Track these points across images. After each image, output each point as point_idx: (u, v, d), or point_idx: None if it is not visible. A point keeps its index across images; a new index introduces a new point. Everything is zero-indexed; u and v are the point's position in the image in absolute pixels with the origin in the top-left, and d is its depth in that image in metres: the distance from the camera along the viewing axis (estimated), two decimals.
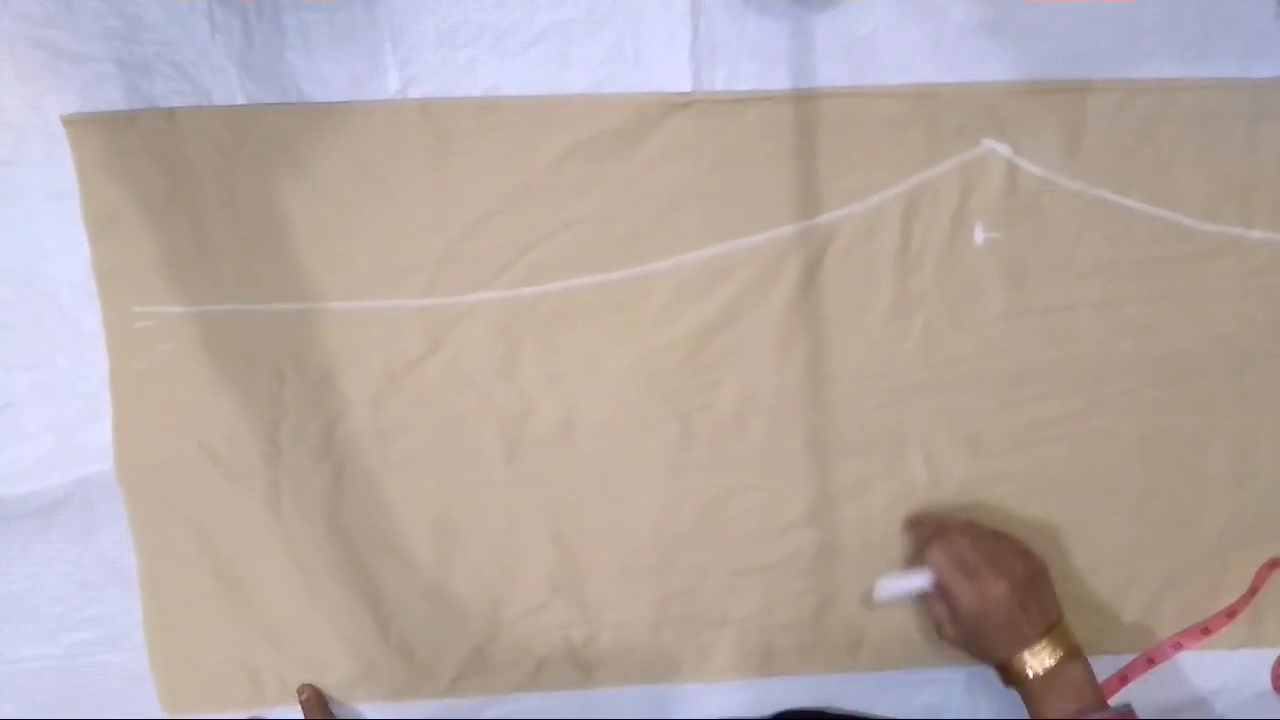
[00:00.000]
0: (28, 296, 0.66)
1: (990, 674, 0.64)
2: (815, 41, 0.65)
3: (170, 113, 0.64)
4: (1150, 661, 0.69)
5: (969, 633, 0.63)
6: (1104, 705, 0.60)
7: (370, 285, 0.66)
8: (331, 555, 0.67)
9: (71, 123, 0.63)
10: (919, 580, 0.65)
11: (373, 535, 0.68)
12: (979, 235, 0.67)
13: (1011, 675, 0.62)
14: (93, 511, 0.67)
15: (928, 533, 0.66)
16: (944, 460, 0.69)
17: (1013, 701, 0.63)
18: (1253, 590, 0.70)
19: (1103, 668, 0.69)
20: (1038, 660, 0.61)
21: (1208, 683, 0.70)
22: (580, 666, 0.69)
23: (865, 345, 0.68)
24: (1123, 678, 0.70)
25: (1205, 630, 0.70)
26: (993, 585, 0.62)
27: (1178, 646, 0.70)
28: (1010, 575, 0.62)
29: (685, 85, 0.65)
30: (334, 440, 0.67)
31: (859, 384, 0.68)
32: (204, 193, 0.65)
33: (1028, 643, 0.61)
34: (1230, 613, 0.70)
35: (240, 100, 0.64)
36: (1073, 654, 0.62)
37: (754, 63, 0.65)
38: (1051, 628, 0.62)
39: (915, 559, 0.66)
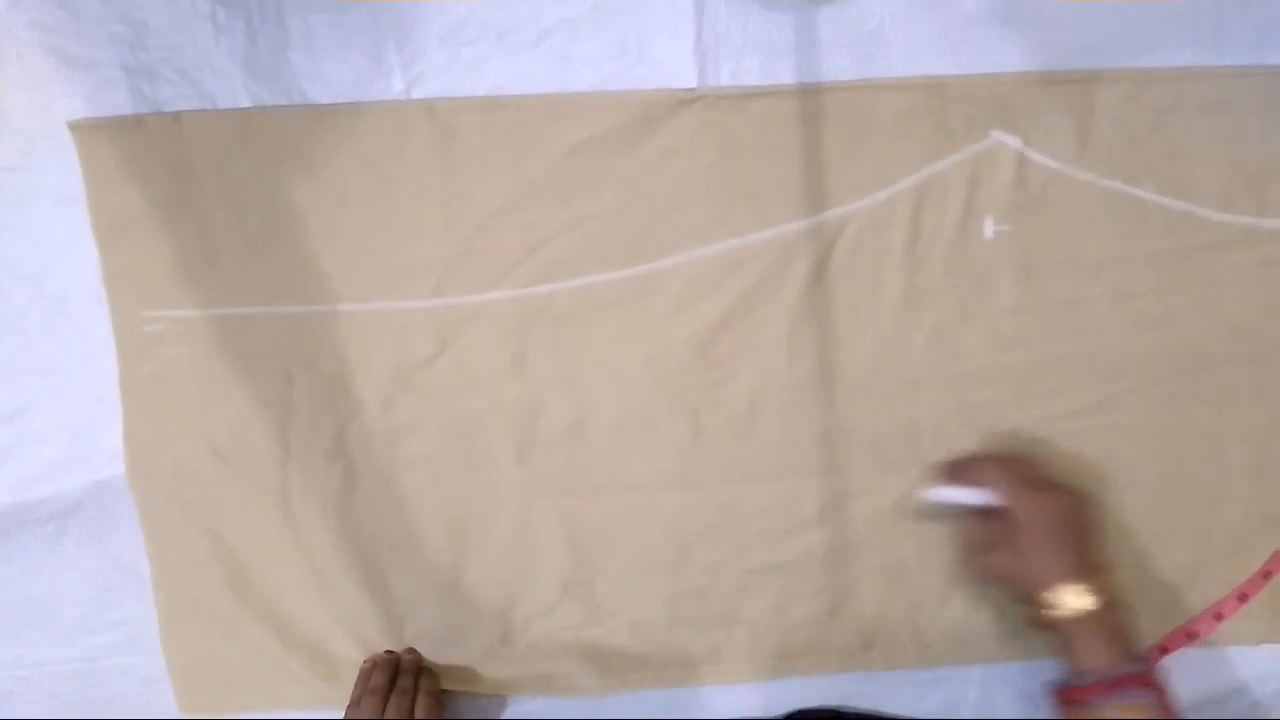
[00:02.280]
0: (38, 301, 0.66)
1: (1007, 673, 0.64)
2: (820, 34, 0.64)
3: (176, 117, 0.64)
4: (1163, 650, 0.69)
5: (1023, 552, 0.60)
6: (1142, 660, 0.59)
7: (379, 286, 0.66)
8: (343, 556, 0.68)
9: (78, 128, 0.64)
10: (977, 495, 0.63)
11: (384, 536, 0.68)
12: (989, 228, 0.67)
13: (1047, 609, 0.60)
14: (107, 515, 0.67)
15: (974, 460, 0.64)
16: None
17: (1028, 701, 0.62)
18: (1264, 575, 0.69)
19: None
20: (1082, 597, 0.59)
21: (1231, 679, 0.70)
22: (594, 667, 0.69)
23: (875, 340, 0.68)
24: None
25: (1218, 616, 0.69)
26: (1062, 497, 0.61)
27: (1191, 635, 0.69)
28: (1070, 494, 0.62)
29: (690, 81, 0.65)
30: (345, 441, 0.67)
31: (870, 379, 0.68)
32: (210, 196, 0.65)
33: (1077, 573, 0.59)
34: (1241, 596, 0.69)
35: (245, 103, 0.64)
36: (1115, 601, 0.60)
37: (759, 57, 0.65)
38: (1099, 568, 0.61)
39: (965, 472, 0.65)
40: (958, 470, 0.66)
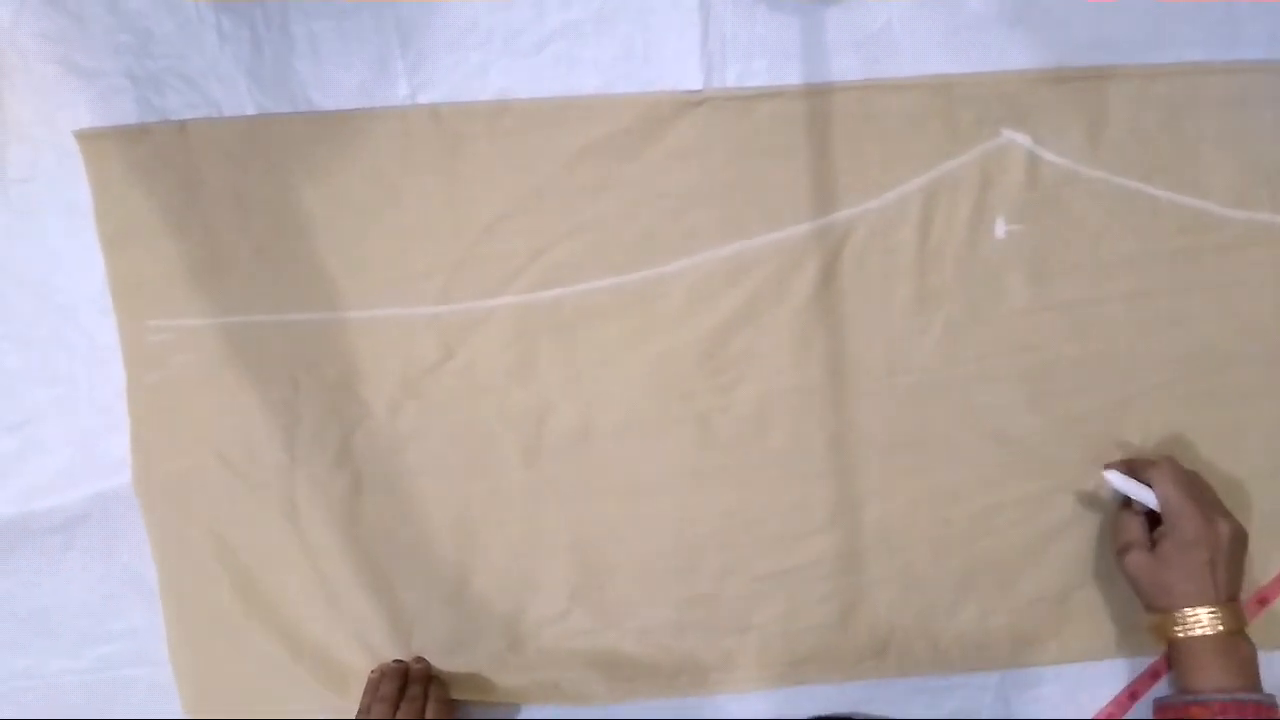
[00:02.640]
0: (46, 312, 0.66)
1: (1023, 678, 0.63)
2: (827, 35, 0.64)
3: (182, 125, 0.64)
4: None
5: (1164, 563, 0.61)
6: (1265, 694, 0.59)
7: (385, 292, 0.66)
8: (351, 563, 0.67)
9: (84, 138, 0.64)
10: (1145, 494, 0.63)
11: (392, 543, 0.67)
12: (1000, 228, 0.66)
13: (1177, 628, 0.60)
14: (114, 525, 0.67)
15: (1152, 462, 0.64)
16: (970, 457, 0.68)
17: (1045, 708, 0.61)
18: None
19: (1137, 668, 0.68)
20: (1215, 620, 0.59)
21: None
22: (603, 674, 0.68)
23: (886, 343, 0.67)
24: (1154, 674, 0.68)
25: None
26: (1221, 522, 0.61)
27: None
28: (1233, 523, 0.62)
29: (697, 83, 0.65)
30: (351, 448, 0.67)
31: (880, 382, 0.67)
32: (216, 204, 0.65)
33: (1215, 598, 0.60)
34: (1261, 600, 0.68)
35: (250, 111, 0.64)
36: (1243, 631, 0.61)
37: (766, 58, 0.64)
38: (1235, 597, 0.61)
39: (1142, 471, 0.64)
40: (1136, 465, 0.65)
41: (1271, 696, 0.59)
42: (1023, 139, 0.65)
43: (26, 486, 0.66)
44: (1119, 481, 0.65)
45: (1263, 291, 0.67)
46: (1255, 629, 0.67)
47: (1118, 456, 0.67)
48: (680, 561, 0.68)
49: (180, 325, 0.66)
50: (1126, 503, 0.66)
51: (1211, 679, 0.59)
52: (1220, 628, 0.59)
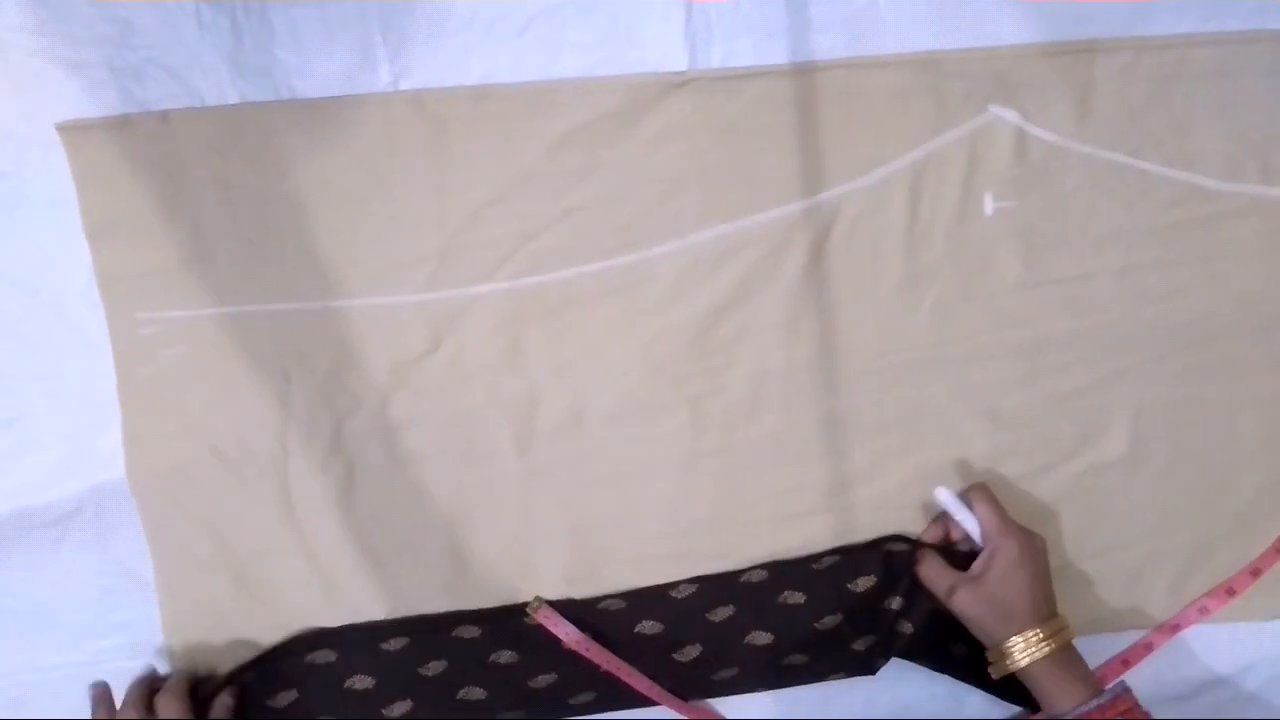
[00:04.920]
0: (35, 307, 0.66)
1: None
2: (812, 13, 0.63)
3: (164, 115, 0.64)
4: (1175, 627, 0.68)
5: (1003, 585, 0.61)
6: (1101, 691, 0.59)
7: (372, 281, 0.66)
8: (345, 552, 0.67)
9: (66, 130, 0.63)
10: (970, 519, 0.64)
11: (386, 531, 0.67)
12: (989, 205, 0.66)
13: (1022, 654, 0.60)
14: (108, 519, 0.67)
15: (970, 489, 0.65)
16: (963, 435, 0.68)
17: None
18: (1278, 549, 0.68)
19: (1131, 639, 0.69)
20: (1052, 638, 0.60)
21: (1240, 656, 0.69)
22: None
23: (876, 322, 0.67)
24: (1148, 644, 0.68)
25: (1230, 591, 0.68)
26: (1034, 535, 0.63)
27: (1203, 611, 0.68)
28: (1038, 536, 0.63)
29: (681, 64, 0.64)
30: (343, 438, 0.67)
31: (871, 361, 0.67)
32: (201, 195, 0.64)
33: (1050, 614, 0.61)
34: (1254, 571, 0.68)
35: (233, 100, 0.64)
36: (1069, 643, 0.61)
37: (750, 37, 0.64)
38: (1055, 613, 0.62)
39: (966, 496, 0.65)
40: (968, 493, 0.66)
41: (1120, 684, 0.60)
42: (1010, 115, 0.65)
43: (20, 482, 0.66)
44: (948, 500, 0.65)
45: (1253, 264, 0.67)
46: (1248, 600, 0.68)
47: (1122, 432, 0.68)
48: (674, 546, 0.68)
49: (169, 317, 0.66)
50: (942, 542, 0.66)
51: (1069, 694, 0.59)
52: (1053, 645, 0.60)
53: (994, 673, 0.62)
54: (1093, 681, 0.60)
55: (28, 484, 0.66)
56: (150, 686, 0.65)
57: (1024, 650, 0.60)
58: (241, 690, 0.66)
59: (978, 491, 0.64)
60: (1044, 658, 0.60)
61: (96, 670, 0.68)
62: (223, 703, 0.64)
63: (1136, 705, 0.59)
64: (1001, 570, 0.61)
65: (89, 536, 0.67)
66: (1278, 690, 0.69)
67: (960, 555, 0.65)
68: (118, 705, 0.65)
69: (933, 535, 0.66)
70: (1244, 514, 0.69)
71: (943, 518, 0.66)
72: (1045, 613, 0.61)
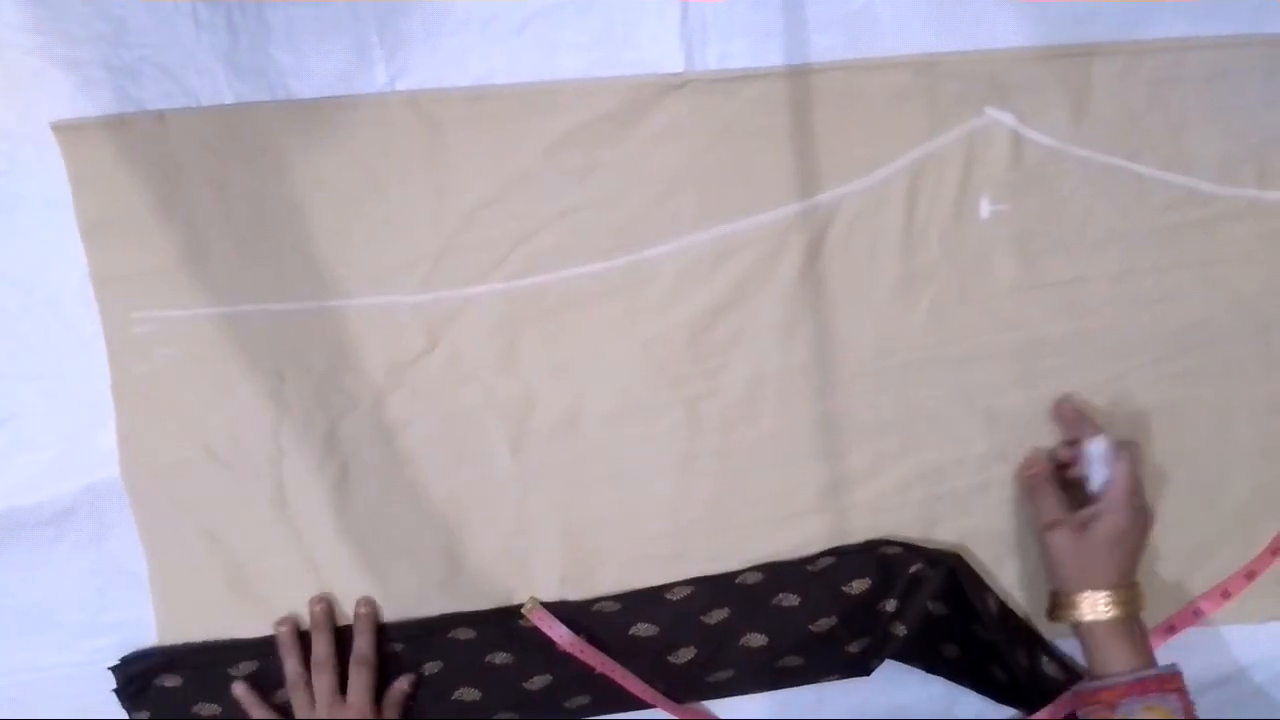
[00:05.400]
0: (30, 306, 0.66)
1: None
2: (808, 14, 0.63)
3: (160, 115, 0.63)
4: (1171, 629, 0.68)
5: (1099, 547, 0.61)
6: (1153, 665, 0.60)
7: (368, 281, 0.66)
8: (340, 552, 0.67)
9: (61, 129, 0.63)
10: (1102, 471, 0.63)
11: (381, 531, 0.67)
12: (985, 208, 0.66)
13: (1086, 611, 0.61)
14: (103, 518, 0.67)
15: (1120, 445, 0.64)
16: (960, 436, 0.68)
17: None
18: (1272, 551, 0.68)
19: None
20: (1123, 601, 0.61)
21: (1236, 659, 0.69)
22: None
23: (873, 324, 0.67)
24: None
25: (1225, 594, 0.68)
26: (1148, 517, 0.63)
27: (1198, 613, 0.68)
28: (1150, 512, 0.63)
29: (678, 66, 0.64)
30: (337, 439, 0.67)
31: (868, 363, 0.67)
32: (196, 194, 0.64)
33: (1122, 580, 0.61)
34: (1249, 573, 0.68)
35: (228, 100, 0.63)
36: (1138, 614, 0.62)
37: (747, 39, 0.63)
38: (1134, 583, 0.62)
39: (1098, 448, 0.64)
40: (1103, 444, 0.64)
41: (1172, 666, 0.60)
42: (1007, 117, 0.65)
43: (14, 481, 0.66)
44: (1101, 449, 0.63)
45: (1249, 267, 0.67)
46: (1242, 602, 0.68)
47: (1118, 435, 0.66)
48: (670, 546, 0.68)
49: (164, 316, 0.65)
50: (1058, 470, 0.65)
51: (1120, 660, 0.60)
52: (1127, 608, 0.61)
53: (1051, 617, 0.63)
54: (1147, 655, 0.61)
55: (23, 483, 0.66)
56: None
57: (1091, 607, 0.61)
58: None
59: (1127, 450, 0.63)
60: (1107, 620, 0.60)
61: (93, 670, 0.68)
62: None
63: (1185, 690, 0.59)
64: (1108, 532, 0.61)
65: (84, 536, 0.67)
66: (1273, 693, 0.69)
67: (1069, 486, 0.65)
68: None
69: (1062, 457, 0.66)
70: (1239, 517, 0.68)
71: (1070, 448, 0.65)
72: (1123, 579, 0.61)
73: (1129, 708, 0.58)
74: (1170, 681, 0.59)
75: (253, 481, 0.67)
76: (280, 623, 0.66)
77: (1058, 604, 0.63)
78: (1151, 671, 0.59)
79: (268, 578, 0.67)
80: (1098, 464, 0.63)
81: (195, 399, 0.66)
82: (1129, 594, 0.61)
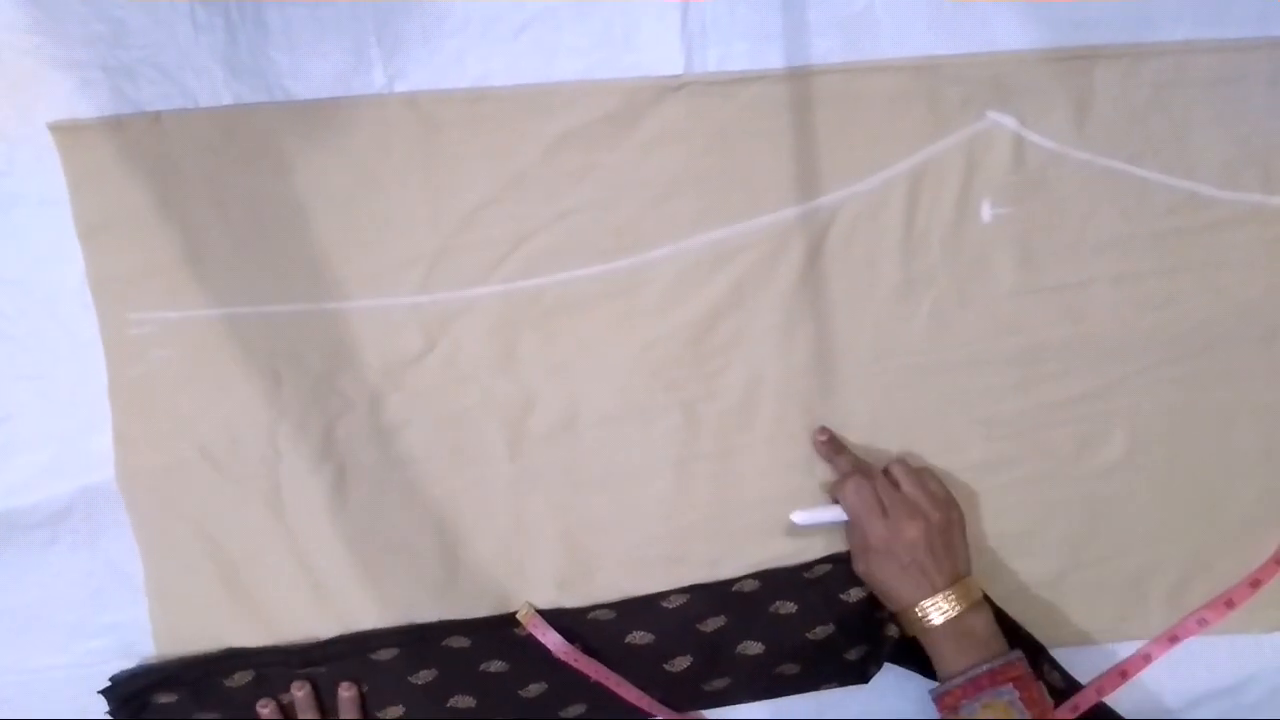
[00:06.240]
0: (26, 307, 0.66)
1: None
2: (809, 16, 0.63)
3: (157, 116, 0.63)
4: (1174, 639, 0.67)
5: (878, 572, 0.62)
6: (1001, 655, 0.60)
7: (365, 283, 0.65)
8: (336, 555, 0.67)
9: (59, 130, 0.63)
10: (834, 514, 0.64)
11: (377, 535, 0.67)
12: (986, 212, 0.65)
13: (912, 623, 0.62)
14: (98, 520, 0.67)
15: (846, 467, 0.65)
16: (959, 441, 0.67)
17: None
18: (1277, 560, 0.67)
19: (1129, 651, 0.68)
20: (938, 610, 0.60)
21: (1240, 669, 0.68)
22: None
23: (872, 328, 0.66)
24: (1146, 656, 0.68)
25: (1229, 603, 0.67)
26: (906, 527, 0.61)
27: (1202, 623, 0.67)
28: (925, 519, 0.61)
29: (677, 67, 0.64)
30: (334, 441, 0.66)
31: (866, 367, 0.67)
32: (194, 196, 0.64)
33: (933, 590, 0.61)
34: (1253, 582, 0.68)
35: (226, 101, 0.63)
36: (976, 606, 0.61)
37: (746, 41, 0.63)
38: (959, 579, 0.62)
39: (832, 491, 0.65)
40: (837, 471, 0.66)
41: (1015, 652, 0.60)
42: (1008, 121, 0.65)
43: (10, 482, 0.66)
44: (810, 518, 0.65)
45: (1252, 272, 0.66)
46: (1247, 611, 0.67)
47: (1119, 441, 0.67)
48: (668, 550, 0.68)
49: (161, 317, 0.65)
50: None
51: (955, 662, 0.60)
52: (951, 611, 0.60)
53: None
54: (983, 648, 0.60)
55: (18, 484, 0.66)
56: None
57: (910, 623, 0.62)
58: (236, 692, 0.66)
59: (838, 487, 0.64)
60: (935, 628, 0.60)
61: (86, 672, 0.68)
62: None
63: (1024, 675, 0.59)
64: (871, 557, 0.62)
65: (79, 538, 0.67)
66: (1278, 703, 0.68)
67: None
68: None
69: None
70: (1243, 524, 0.68)
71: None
72: (928, 590, 0.61)
73: (969, 709, 0.59)
74: (1003, 673, 0.59)
75: (249, 483, 0.66)
76: (262, 705, 0.66)
77: (900, 621, 0.63)
78: (984, 668, 0.59)
79: (263, 580, 0.67)
80: (821, 517, 0.65)
81: (192, 400, 0.66)
82: (952, 596, 0.61)
